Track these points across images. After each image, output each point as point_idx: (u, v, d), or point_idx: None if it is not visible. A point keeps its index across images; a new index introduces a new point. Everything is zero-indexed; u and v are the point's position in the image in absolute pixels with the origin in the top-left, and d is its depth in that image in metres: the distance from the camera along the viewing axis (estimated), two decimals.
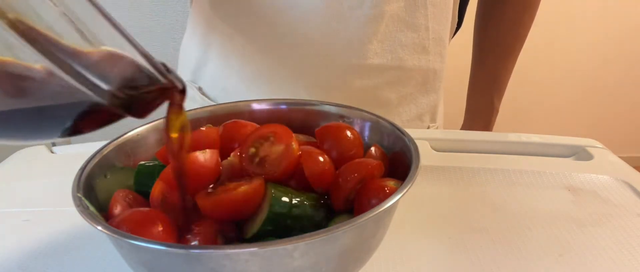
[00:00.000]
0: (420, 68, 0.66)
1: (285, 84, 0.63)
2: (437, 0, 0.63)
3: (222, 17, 0.63)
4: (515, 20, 0.76)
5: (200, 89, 0.69)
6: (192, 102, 0.69)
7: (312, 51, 0.61)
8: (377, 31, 0.60)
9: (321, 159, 0.34)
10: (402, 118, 0.68)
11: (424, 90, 0.68)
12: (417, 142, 0.36)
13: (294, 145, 0.34)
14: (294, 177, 0.34)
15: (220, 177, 0.35)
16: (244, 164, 0.34)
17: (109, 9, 0.22)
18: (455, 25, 0.74)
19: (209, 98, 0.69)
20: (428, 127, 0.72)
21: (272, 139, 0.35)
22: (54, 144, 0.60)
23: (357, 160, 0.36)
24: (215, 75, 0.67)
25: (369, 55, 0.61)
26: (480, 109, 0.81)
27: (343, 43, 0.60)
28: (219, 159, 0.34)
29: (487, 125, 0.81)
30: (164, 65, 0.24)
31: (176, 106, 0.27)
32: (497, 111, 0.81)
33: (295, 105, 0.44)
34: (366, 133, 0.41)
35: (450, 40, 0.73)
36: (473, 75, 0.82)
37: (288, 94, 0.64)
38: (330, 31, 0.59)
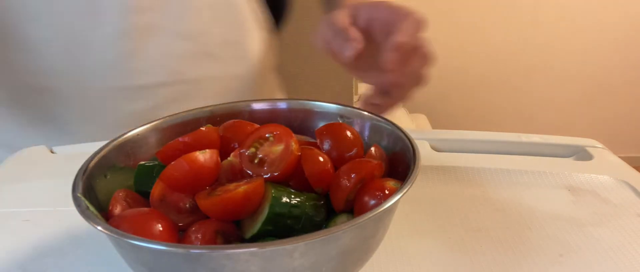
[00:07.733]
0: (212, 77, 0.59)
1: (44, 121, 0.58)
2: (216, 2, 0.57)
3: None
4: None
5: None
6: None
7: (60, 82, 0.55)
8: (134, 48, 0.54)
9: (321, 159, 0.34)
10: None
11: (243, 97, 0.60)
12: (417, 142, 0.36)
13: (294, 145, 0.34)
14: (294, 177, 0.34)
15: (220, 177, 0.35)
16: (244, 164, 0.34)
17: None
18: (268, 19, 0.66)
19: None
20: None
21: (272, 139, 0.35)
22: (53, 144, 0.60)
23: (357, 160, 0.36)
24: None
25: (132, 75, 0.55)
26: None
27: (93, 67, 0.55)
28: (219, 159, 0.34)
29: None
30: None
31: None
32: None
33: (295, 105, 0.44)
34: (366, 133, 0.41)
35: (280, 27, 0.65)
36: None
37: (55, 132, 0.58)
38: (72, 57, 0.54)
